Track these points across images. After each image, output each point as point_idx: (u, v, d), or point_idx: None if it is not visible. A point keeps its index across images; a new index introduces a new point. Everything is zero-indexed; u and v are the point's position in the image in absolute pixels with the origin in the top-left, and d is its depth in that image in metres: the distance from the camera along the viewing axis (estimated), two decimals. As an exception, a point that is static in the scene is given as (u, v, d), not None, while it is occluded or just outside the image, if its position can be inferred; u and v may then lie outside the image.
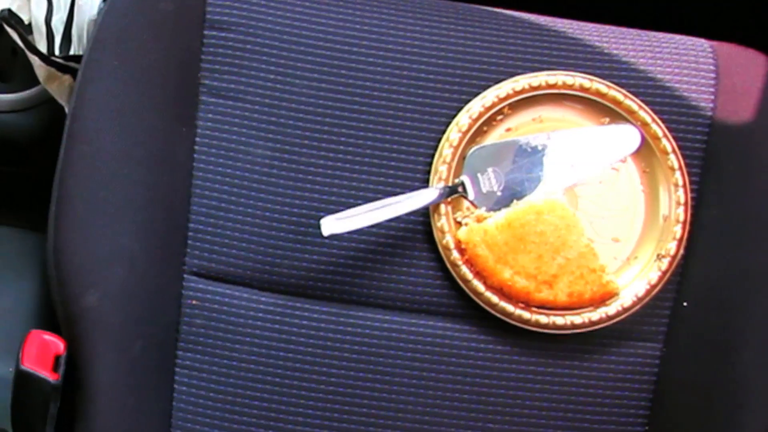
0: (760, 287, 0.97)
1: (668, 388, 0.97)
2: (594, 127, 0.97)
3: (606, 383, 0.97)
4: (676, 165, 0.96)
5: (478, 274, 0.94)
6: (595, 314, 0.95)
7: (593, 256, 0.93)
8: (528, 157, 0.95)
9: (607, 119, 0.97)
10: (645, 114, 0.96)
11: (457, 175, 0.95)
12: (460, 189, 0.94)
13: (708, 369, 0.96)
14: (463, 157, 0.95)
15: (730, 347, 0.96)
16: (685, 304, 0.97)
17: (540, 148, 0.95)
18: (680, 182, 0.96)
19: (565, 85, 0.96)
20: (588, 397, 0.97)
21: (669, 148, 0.96)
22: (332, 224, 0.90)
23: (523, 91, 0.96)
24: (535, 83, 0.96)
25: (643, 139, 0.96)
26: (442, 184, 0.94)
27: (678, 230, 0.96)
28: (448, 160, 0.94)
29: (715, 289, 0.97)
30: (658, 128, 0.96)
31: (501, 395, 0.96)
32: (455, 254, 0.94)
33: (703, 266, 0.97)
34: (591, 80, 0.96)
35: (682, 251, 0.96)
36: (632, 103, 0.96)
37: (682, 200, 0.96)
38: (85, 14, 1.00)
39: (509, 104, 0.96)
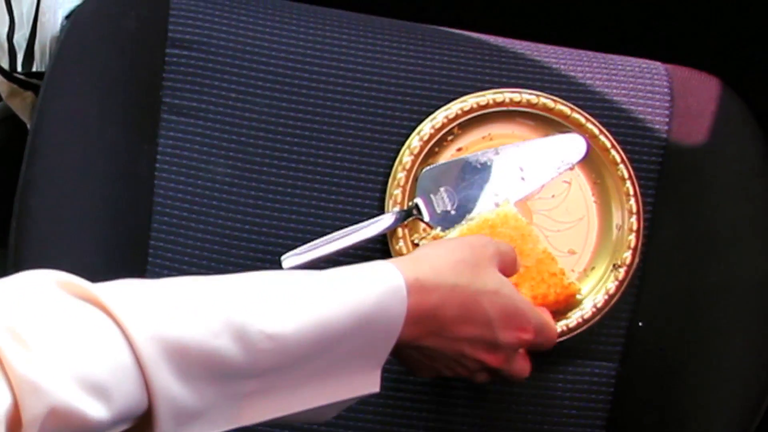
0: (712, 306, 0.98)
1: (624, 406, 0.98)
2: (541, 139, 0.97)
3: (562, 402, 0.97)
4: (626, 174, 0.97)
5: None
6: (557, 327, 0.95)
7: (551, 261, 0.93)
8: (478, 173, 0.96)
9: (556, 133, 0.98)
10: (593, 126, 0.97)
11: (411, 197, 0.95)
12: (414, 212, 0.94)
13: (662, 387, 0.97)
14: (416, 179, 0.96)
15: (683, 365, 0.97)
16: (640, 323, 0.98)
17: (489, 163, 0.96)
18: (631, 191, 0.97)
19: (512, 102, 0.97)
20: (545, 416, 0.97)
21: (618, 159, 0.97)
22: (293, 260, 0.91)
23: (471, 110, 0.96)
24: (482, 102, 0.97)
25: (590, 146, 0.97)
26: (397, 209, 0.94)
27: (632, 239, 0.96)
28: (402, 183, 0.95)
29: (670, 309, 0.98)
30: (606, 140, 0.97)
31: (459, 413, 0.97)
32: None
33: (658, 286, 0.98)
34: (537, 96, 0.97)
35: (637, 260, 0.97)
36: (579, 116, 0.97)
37: (635, 209, 0.97)
38: (47, 31, 0.99)
39: (459, 124, 0.96)
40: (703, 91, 1.02)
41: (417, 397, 0.96)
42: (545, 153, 0.97)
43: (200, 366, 0.65)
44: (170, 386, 0.64)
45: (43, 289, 0.64)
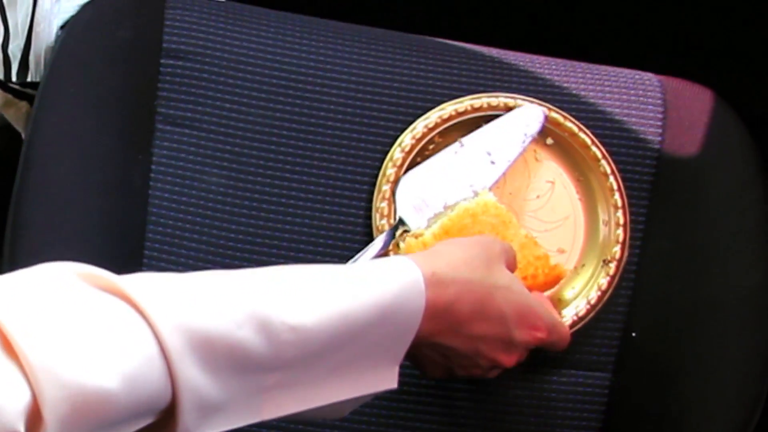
0: (705, 317, 0.98)
1: (618, 416, 0.98)
2: (498, 118, 0.97)
3: (556, 412, 0.98)
4: (608, 170, 0.97)
5: None
6: None
7: (535, 245, 0.93)
8: (450, 170, 0.96)
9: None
10: (572, 125, 0.98)
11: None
12: (401, 226, 0.94)
13: (655, 397, 0.97)
14: None
15: (676, 375, 0.98)
16: (633, 333, 0.98)
17: (457, 157, 0.96)
18: (614, 186, 0.97)
19: (490, 107, 0.97)
20: (539, 426, 0.98)
21: (599, 155, 0.97)
22: None
23: (450, 117, 0.97)
24: (461, 109, 0.97)
25: (546, 114, 0.97)
26: (386, 234, 0.94)
27: (620, 233, 0.97)
28: (387, 195, 0.95)
29: (663, 319, 0.98)
30: (586, 137, 0.97)
31: (454, 423, 0.97)
32: None
33: (651, 296, 0.99)
34: (515, 98, 0.97)
35: (627, 254, 0.97)
36: (557, 115, 0.98)
37: (619, 203, 0.97)
38: (42, 41, 1.00)
39: (438, 133, 0.97)
40: (696, 102, 1.02)
41: (410, 407, 0.96)
42: (507, 131, 0.97)
43: (224, 357, 0.65)
44: (195, 378, 0.63)
45: (64, 281, 0.63)
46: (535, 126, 0.97)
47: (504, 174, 0.96)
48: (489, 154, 0.96)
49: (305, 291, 0.70)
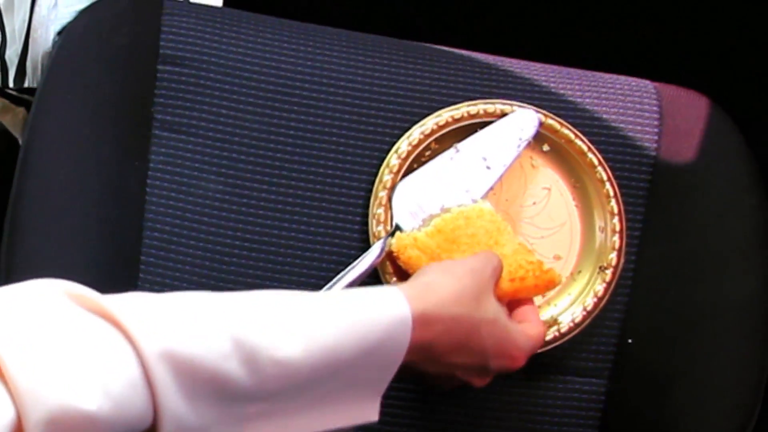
0: (701, 324, 0.99)
1: (613, 422, 0.98)
2: (493, 124, 0.97)
3: (552, 419, 0.98)
4: (604, 177, 0.97)
5: None
6: (549, 333, 0.95)
7: (528, 252, 0.93)
8: (445, 176, 0.96)
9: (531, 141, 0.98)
10: (568, 131, 0.98)
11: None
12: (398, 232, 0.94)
13: (651, 403, 0.98)
14: None
15: (672, 382, 0.98)
16: (630, 340, 0.98)
17: (453, 162, 0.96)
18: (611, 193, 0.97)
19: (486, 113, 0.97)
20: (535, 432, 0.98)
21: (595, 161, 0.97)
22: None
23: (446, 124, 0.97)
24: (457, 115, 0.97)
25: (540, 118, 0.97)
26: (383, 240, 0.93)
27: (616, 240, 0.97)
28: (384, 201, 0.95)
29: (659, 326, 0.99)
30: (582, 144, 0.97)
31: (448, 429, 0.97)
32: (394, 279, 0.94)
33: (647, 303, 0.99)
34: (511, 105, 0.97)
35: (623, 261, 0.97)
36: (554, 122, 0.97)
37: (615, 210, 0.97)
38: (39, 47, 1.00)
39: (435, 139, 0.97)
40: (692, 109, 1.02)
41: (399, 412, 0.96)
42: (502, 136, 0.96)
43: (208, 387, 0.65)
44: (178, 406, 0.64)
45: (53, 300, 0.64)
46: (530, 130, 0.97)
47: (500, 179, 0.96)
48: (484, 159, 0.96)
49: (294, 323, 0.70)
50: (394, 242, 0.92)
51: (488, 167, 0.96)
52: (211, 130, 0.96)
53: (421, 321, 0.76)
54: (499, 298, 0.89)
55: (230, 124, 0.96)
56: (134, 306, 0.65)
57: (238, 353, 0.66)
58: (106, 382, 0.61)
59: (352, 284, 0.92)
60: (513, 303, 0.93)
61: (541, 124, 0.97)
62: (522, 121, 0.97)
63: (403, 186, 0.96)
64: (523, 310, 0.92)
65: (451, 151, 0.96)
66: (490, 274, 0.85)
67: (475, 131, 0.97)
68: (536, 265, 0.92)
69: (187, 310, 0.67)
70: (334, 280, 0.92)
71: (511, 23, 1.27)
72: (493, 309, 0.83)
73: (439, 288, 0.80)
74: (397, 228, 0.94)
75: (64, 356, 0.60)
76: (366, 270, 0.92)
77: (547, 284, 0.94)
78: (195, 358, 0.64)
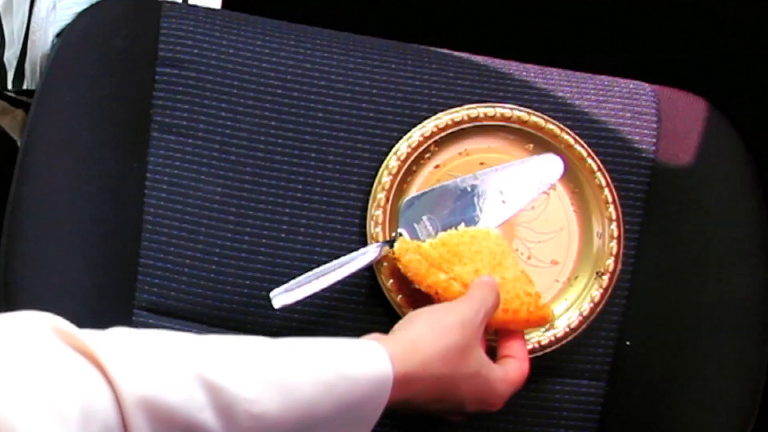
0: (699, 327, 0.99)
1: (612, 424, 0.98)
2: (518, 161, 0.97)
3: (550, 421, 0.98)
4: (603, 183, 0.97)
5: (415, 303, 0.93)
6: (544, 337, 0.95)
7: (528, 282, 0.92)
8: (459, 199, 0.96)
9: (531, 145, 0.98)
10: (568, 136, 0.98)
11: (392, 219, 0.95)
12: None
13: (649, 406, 0.98)
14: (397, 199, 0.96)
15: (670, 385, 0.98)
16: (628, 342, 0.98)
17: (470, 189, 0.96)
18: (609, 199, 0.97)
19: (486, 117, 0.97)
20: (533, 435, 0.98)
21: (595, 167, 0.97)
22: (282, 297, 0.90)
23: (446, 127, 0.97)
24: (457, 118, 0.97)
25: (566, 165, 0.97)
26: (380, 244, 0.93)
27: (614, 246, 0.97)
28: (381, 204, 0.95)
29: (658, 328, 0.99)
30: (582, 149, 0.97)
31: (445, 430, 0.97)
32: (399, 296, 0.94)
33: (646, 305, 0.99)
34: (511, 109, 0.97)
35: (620, 267, 0.97)
36: (554, 127, 0.98)
37: (614, 216, 0.97)
38: (38, 49, 1.00)
39: (434, 141, 0.97)
40: (690, 111, 1.02)
41: (396, 422, 0.96)
42: (524, 175, 0.97)
43: None
44: None
45: (38, 335, 0.64)
46: (554, 176, 0.97)
47: (512, 216, 0.97)
48: (501, 193, 0.96)
49: (273, 374, 0.70)
50: (397, 245, 0.92)
51: (503, 201, 0.96)
52: (210, 132, 0.96)
53: (402, 381, 0.76)
54: (489, 326, 0.89)
55: (228, 126, 0.96)
56: (117, 346, 0.66)
57: (216, 405, 0.67)
58: (83, 424, 0.61)
59: (344, 280, 0.92)
60: (502, 331, 0.92)
61: (566, 170, 0.97)
62: (548, 165, 0.97)
63: (414, 199, 0.96)
64: (511, 345, 0.91)
65: (470, 177, 0.96)
66: (481, 321, 0.85)
67: (477, 134, 0.98)
68: (533, 299, 0.91)
69: (167, 356, 0.68)
70: (325, 266, 0.92)
71: (511, 26, 1.27)
72: (476, 362, 0.83)
73: (424, 346, 0.80)
74: (400, 237, 0.94)
75: (43, 397, 0.60)
76: (358, 270, 0.92)
77: (539, 321, 0.92)
78: (173, 407, 0.65)
